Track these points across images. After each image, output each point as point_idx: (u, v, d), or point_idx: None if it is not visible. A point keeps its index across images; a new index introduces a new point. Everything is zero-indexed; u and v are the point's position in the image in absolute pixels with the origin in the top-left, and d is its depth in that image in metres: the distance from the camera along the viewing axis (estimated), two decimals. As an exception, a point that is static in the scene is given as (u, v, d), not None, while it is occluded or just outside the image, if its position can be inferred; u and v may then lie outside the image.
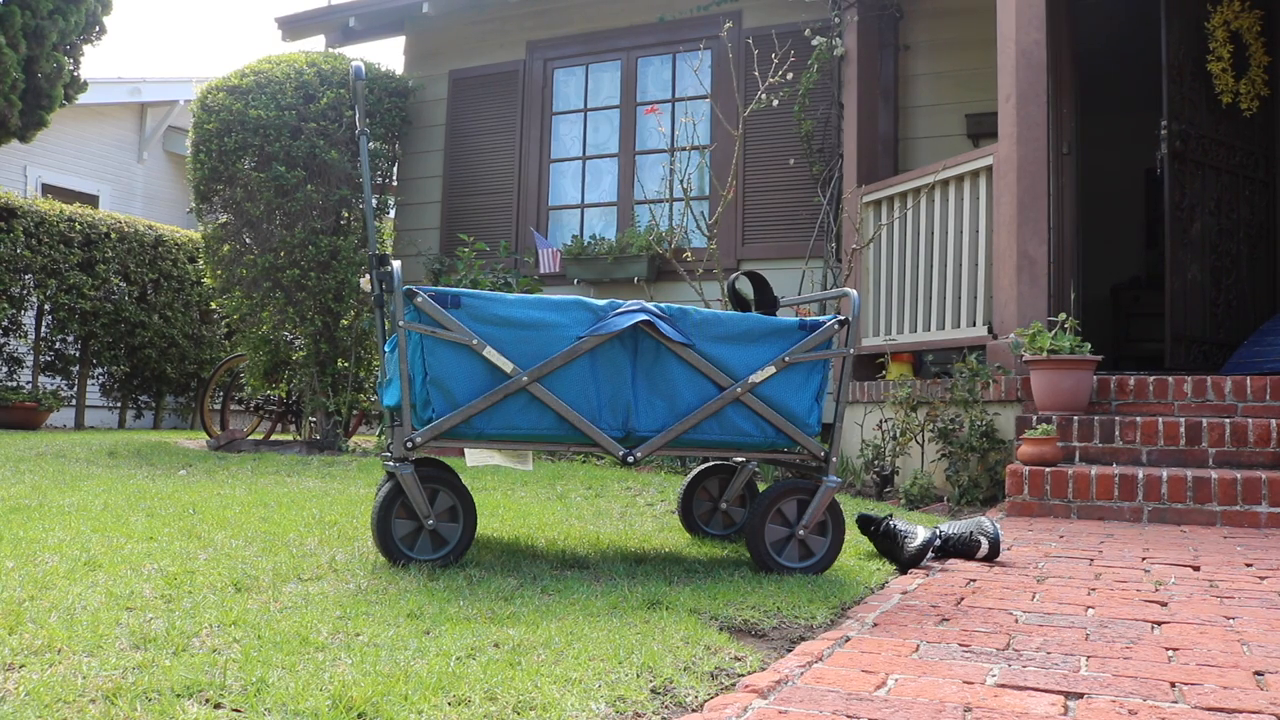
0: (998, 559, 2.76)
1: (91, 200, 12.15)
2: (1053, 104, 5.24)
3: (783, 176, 6.45)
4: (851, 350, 2.66)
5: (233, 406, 8.14)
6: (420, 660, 1.58)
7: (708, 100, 6.60)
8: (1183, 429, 4.09)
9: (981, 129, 5.82)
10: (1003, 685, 1.50)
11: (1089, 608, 2.10)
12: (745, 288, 3.06)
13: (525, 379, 2.43)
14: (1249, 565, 2.74)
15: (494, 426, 2.45)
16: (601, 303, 2.55)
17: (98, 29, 8.67)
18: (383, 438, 6.71)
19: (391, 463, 2.42)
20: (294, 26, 8.18)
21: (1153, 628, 1.91)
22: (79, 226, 9.23)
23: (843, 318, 2.69)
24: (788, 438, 2.59)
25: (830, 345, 2.61)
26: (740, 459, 2.96)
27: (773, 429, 2.59)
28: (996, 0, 4.80)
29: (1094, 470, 3.84)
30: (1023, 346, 4.36)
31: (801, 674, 1.53)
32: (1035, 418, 4.20)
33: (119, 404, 10.23)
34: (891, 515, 2.92)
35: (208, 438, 7.30)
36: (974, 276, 4.91)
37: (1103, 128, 7.97)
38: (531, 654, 1.64)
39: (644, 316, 2.50)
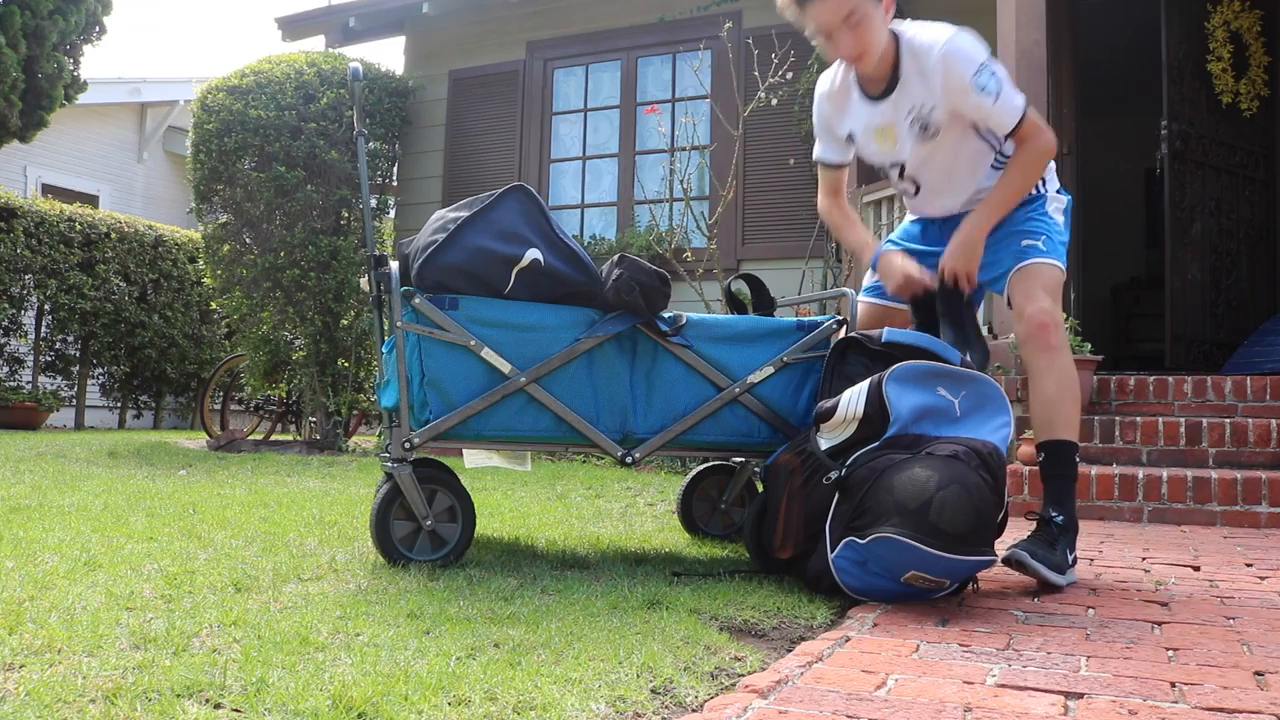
0: (997, 559, 2.76)
1: (91, 200, 12.15)
2: (1053, 104, 5.23)
3: (783, 176, 6.45)
4: (851, 350, 2.65)
5: (233, 406, 8.14)
6: (420, 660, 1.58)
7: (708, 100, 6.61)
8: (1183, 429, 4.09)
9: (982, 129, 5.82)
10: (1003, 685, 1.50)
11: (1089, 608, 2.10)
12: (742, 290, 3.06)
13: (523, 380, 2.43)
14: (1249, 565, 2.74)
15: (492, 427, 2.45)
16: (601, 303, 2.54)
17: (98, 29, 8.67)
18: (382, 438, 6.73)
19: (390, 463, 2.42)
20: (294, 26, 8.19)
21: (1153, 628, 1.91)
22: (79, 226, 9.23)
23: (841, 318, 2.69)
24: (786, 438, 2.59)
25: (828, 345, 2.61)
26: (739, 459, 2.96)
27: (770, 429, 2.59)
28: (996, 1, 4.80)
29: (1094, 470, 3.84)
30: (1019, 349, 4.36)
31: (801, 674, 1.53)
32: (1035, 418, 4.19)
33: (119, 404, 10.23)
34: (891, 515, 2.92)
35: (208, 438, 7.30)
36: (974, 276, 4.90)
37: (1103, 128, 7.97)
38: (531, 654, 1.64)
39: (642, 317, 2.51)
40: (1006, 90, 2.39)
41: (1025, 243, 2.50)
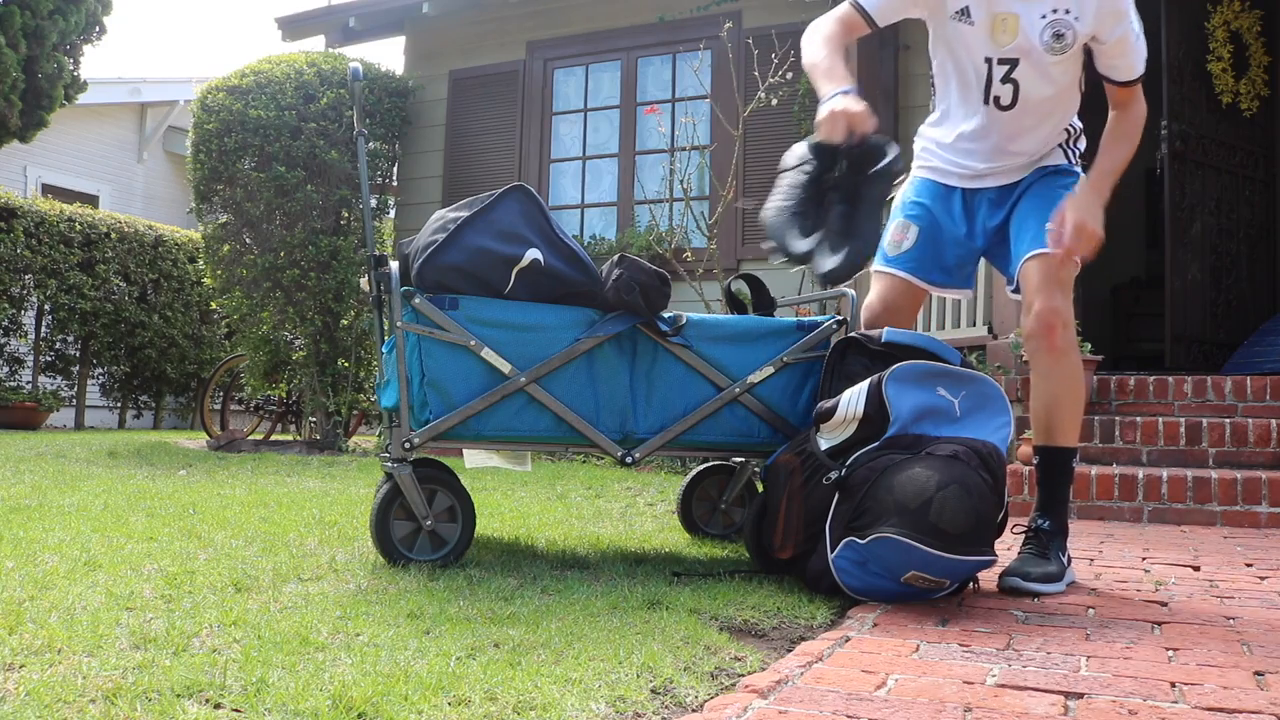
0: (998, 559, 2.76)
1: (91, 200, 12.15)
2: (1053, 104, 5.23)
3: (783, 176, 6.44)
4: (851, 350, 2.64)
5: (233, 406, 8.14)
6: (420, 660, 1.58)
7: (708, 100, 6.61)
8: (1183, 429, 4.09)
9: (981, 129, 5.81)
10: (1003, 685, 1.50)
11: (1089, 608, 2.10)
12: (742, 290, 3.06)
13: (523, 380, 2.43)
14: (1249, 565, 2.74)
15: (492, 427, 2.45)
16: (601, 303, 2.54)
17: (98, 29, 8.67)
18: (382, 438, 6.73)
19: (390, 463, 2.42)
20: (294, 27, 8.19)
21: (1153, 628, 1.91)
22: (79, 226, 9.23)
23: (841, 318, 2.69)
24: (786, 438, 2.58)
25: (828, 345, 2.61)
26: (739, 459, 2.96)
27: (770, 429, 2.59)
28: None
29: (1094, 470, 3.84)
30: (1023, 346, 4.36)
31: (801, 674, 1.53)
32: (1035, 418, 4.19)
33: (119, 404, 10.23)
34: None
35: (208, 438, 7.30)
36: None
37: (1103, 128, 7.95)
38: (531, 654, 1.64)
39: (642, 317, 2.51)
40: (1143, 39, 2.29)
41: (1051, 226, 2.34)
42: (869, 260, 2.12)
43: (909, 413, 2.17)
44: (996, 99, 2.38)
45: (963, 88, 2.46)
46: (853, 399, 2.22)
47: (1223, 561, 2.80)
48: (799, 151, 2.23)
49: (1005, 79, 2.35)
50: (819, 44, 2.37)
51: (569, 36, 7.29)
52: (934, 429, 2.18)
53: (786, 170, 2.24)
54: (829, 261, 2.09)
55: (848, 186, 2.14)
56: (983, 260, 2.65)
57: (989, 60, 2.35)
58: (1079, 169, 2.47)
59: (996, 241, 2.49)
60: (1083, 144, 2.51)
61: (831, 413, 2.26)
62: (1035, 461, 2.44)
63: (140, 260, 9.74)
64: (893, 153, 2.16)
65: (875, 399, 2.19)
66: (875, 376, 2.22)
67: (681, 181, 6.08)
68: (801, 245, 2.13)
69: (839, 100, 2.19)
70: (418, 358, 2.41)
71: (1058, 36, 2.26)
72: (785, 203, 2.18)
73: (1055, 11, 2.25)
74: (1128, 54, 2.29)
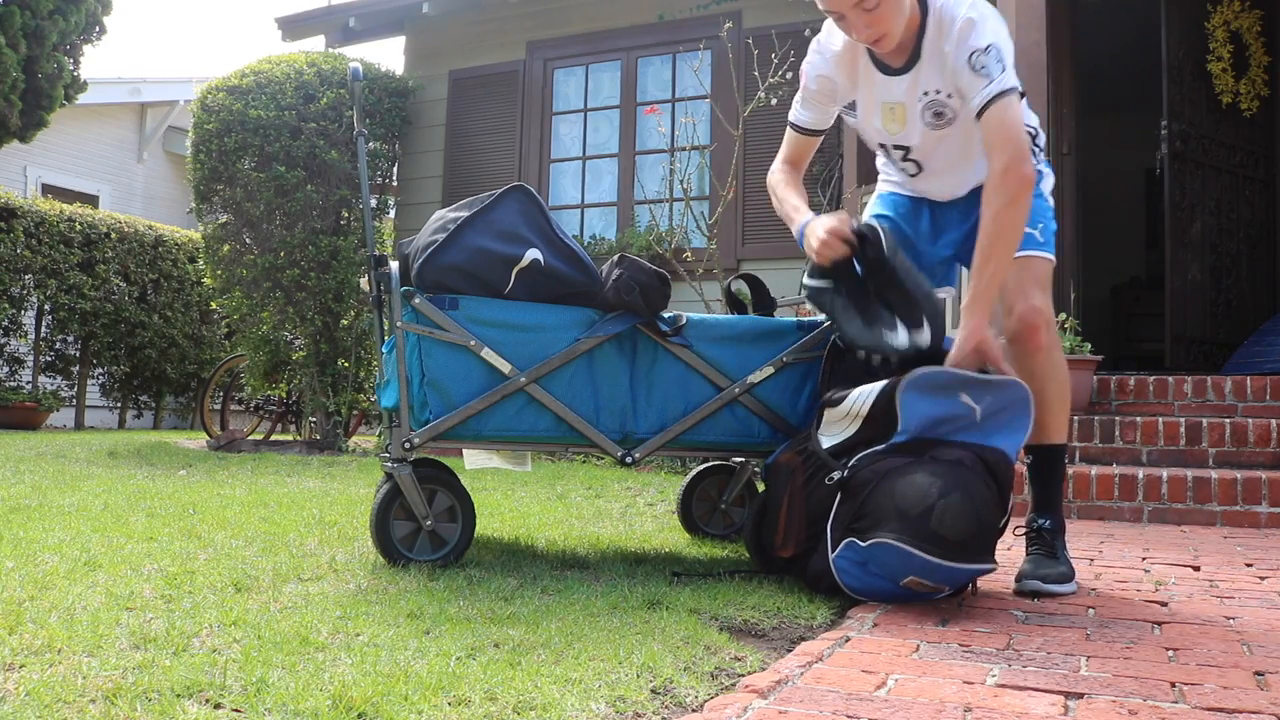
0: (998, 566, 2.75)
1: (91, 200, 12.14)
2: (1052, 105, 5.23)
3: (783, 176, 6.43)
4: (851, 350, 2.64)
5: (233, 406, 8.14)
6: (420, 660, 1.58)
7: (708, 100, 6.60)
8: (1183, 429, 4.08)
9: (981, 129, 5.81)
10: (1003, 685, 1.50)
11: (1089, 608, 2.10)
12: (742, 290, 3.05)
13: (523, 380, 2.43)
14: (1249, 565, 2.74)
15: (492, 427, 2.45)
16: (601, 303, 2.54)
17: (98, 29, 8.67)
18: (382, 438, 6.72)
19: (390, 463, 2.42)
20: (294, 27, 8.19)
21: (1153, 628, 1.91)
22: (79, 226, 9.23)
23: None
24: (786, 438, 2.58)
25: (828, 345, 2.60)
26: (739, 459, 2.96)
27: (770, 429, 2.59)
28: (996, 1, 4.80)
29: (1094, 470, 3.84)
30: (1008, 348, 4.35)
31: (801, 674, 1.53)
32: (1035, 418, 4.19)
33: (119, 404, 10.23)
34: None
35: (208, 438, 7.30)
36: (974, 276, 4.90)
37: (1103, 128, 7.96)
38: (531, 654, 1.64)
39: (642, 317, 2.51)
40: (1001, 77, 2.13)
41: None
42: (940, 309, 2.24)
43: (919, 423, 2.12)
44: (904, 169, 2.49)
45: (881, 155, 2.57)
46: (862, 396, 2.19)
47: (1223, 561, 2.80)
48: (816, 282, 2.35)
49: (905, 159, 2.44)
50: (774, 193, 2.54)
51: (569, 36, 7.28)
52: (946, 437, 2.14)
53: (819, 296, 2.34)
54: (922, 335, 2.18)
55: (876, 275, 2.24)
56: None
57: (884, 146, 2.46)
58: (1043, 168, 2.43)
59: (966, 250, 2.46)
60: (1042, 139, 2.47)
61: (838, 403, 2.23)
62: (1027, 461, 2.44)
63: (140, 260, 9.74)
64: (882, 230, 2.26)
65: (885, 402, 2.15)
66: (890, 381, 2.17)
67: (681, 181, 6.08)
68: (897, 340, 2.21)
69: (814, 226, 2.29)
70: (418, 358, 2.41)
71: (938, 115, 2.29)
72: (856, 319, 2.27)
73: (926, 94, 2.27)
74: (970, 89, 2.17)
